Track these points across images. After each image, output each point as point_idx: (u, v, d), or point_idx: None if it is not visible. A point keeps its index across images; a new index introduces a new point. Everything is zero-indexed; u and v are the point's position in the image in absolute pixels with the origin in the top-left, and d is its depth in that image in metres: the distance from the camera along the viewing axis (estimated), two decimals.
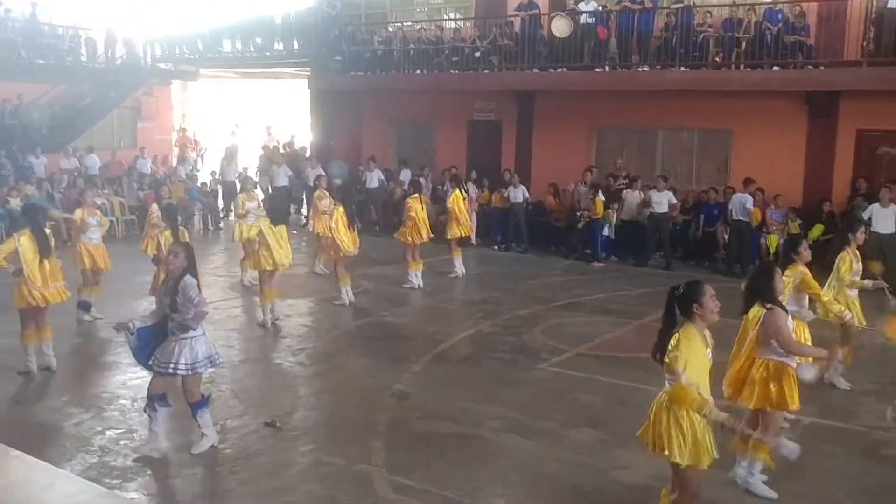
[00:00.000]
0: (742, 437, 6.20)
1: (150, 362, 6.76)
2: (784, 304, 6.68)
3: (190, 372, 6.69)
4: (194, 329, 6.67)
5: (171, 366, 6.62)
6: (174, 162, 24.19)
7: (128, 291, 12.23)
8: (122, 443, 7.15)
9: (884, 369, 9.28)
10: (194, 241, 10.35)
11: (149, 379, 6.90)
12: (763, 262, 6.56)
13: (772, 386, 5.99)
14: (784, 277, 7.41)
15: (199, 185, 20.99)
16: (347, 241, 12.15)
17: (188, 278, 6.67)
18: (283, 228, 11.23)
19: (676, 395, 4.89)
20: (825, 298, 7.78)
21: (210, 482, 6.57)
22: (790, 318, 6.18)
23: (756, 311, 6.01)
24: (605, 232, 16.06)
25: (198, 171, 22.71)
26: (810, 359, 6.61)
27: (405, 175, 19.61)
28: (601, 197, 15.84)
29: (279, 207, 12.32)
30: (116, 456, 6.87)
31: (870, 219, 13.55)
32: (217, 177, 21.88)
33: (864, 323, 8.44)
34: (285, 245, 11.12)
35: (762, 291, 6.02)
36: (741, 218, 14.87)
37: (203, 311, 6.72)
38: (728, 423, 4.94)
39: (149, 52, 26.18)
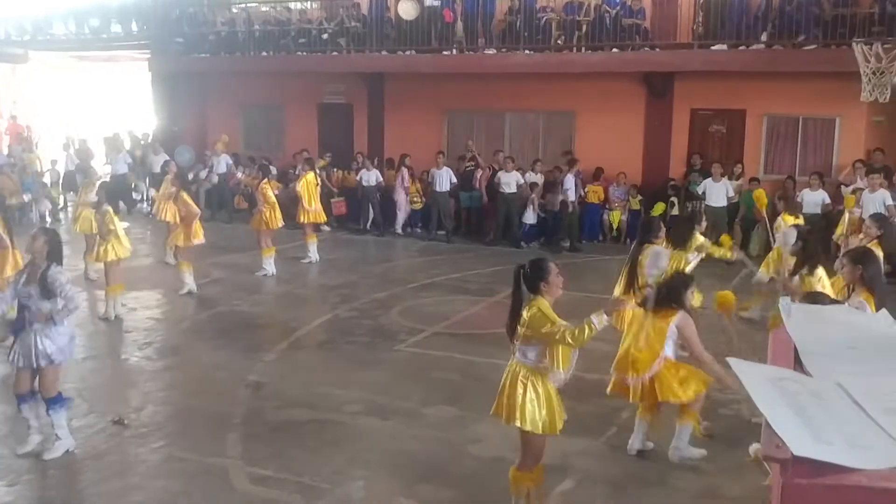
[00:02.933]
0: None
1: (11, 358, 6.45)
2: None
3: (55, 361, 6.41)
4: (57, 324, 6.39)
5: (34, 357, 6.33)
6: (5, 150, 22.69)
7: None
8: None
9: (719, 337, 9.83)
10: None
11: None
12: (681, 275, 7.05)
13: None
14: (641, 258, 7.86)
15: (34, 174, 19.79)
16: (198, 227, 11.89)
17: (55, 268, 6.42)
18: (116, 218, 10.85)
19: (581, 336, 5.10)
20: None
21: (56, 485, 6.28)
22: None
23: (670, 314, 6.35)
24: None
25: (34, 159, 21.29)
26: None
27: (224, 160, 18.78)
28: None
29: (117, 197, 11.82)
30: None
31: (704, 193, 14.37)
32: (55, 167, 20.75)
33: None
34: (122, 235, 10.73)
35: (677, 301, 6.39)
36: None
37: (74, 306, 6.51)
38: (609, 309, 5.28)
39: None
